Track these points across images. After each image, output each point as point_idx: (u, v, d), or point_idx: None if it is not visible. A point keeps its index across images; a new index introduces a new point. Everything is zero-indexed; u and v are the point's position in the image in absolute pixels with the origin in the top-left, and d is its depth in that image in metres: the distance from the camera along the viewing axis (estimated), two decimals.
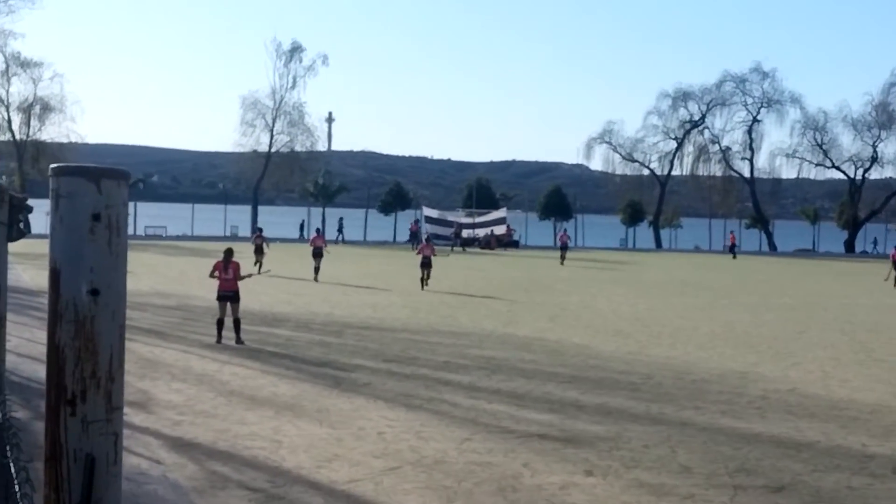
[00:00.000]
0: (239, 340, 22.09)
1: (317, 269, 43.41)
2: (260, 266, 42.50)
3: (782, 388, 18.41)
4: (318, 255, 44.38)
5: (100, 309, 2.21)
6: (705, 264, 68.36)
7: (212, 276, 23.17)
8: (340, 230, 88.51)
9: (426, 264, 40.79)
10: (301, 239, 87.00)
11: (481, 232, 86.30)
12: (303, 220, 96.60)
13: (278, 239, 58.42)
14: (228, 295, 22.56)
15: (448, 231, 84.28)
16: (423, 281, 40.26)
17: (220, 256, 23.42)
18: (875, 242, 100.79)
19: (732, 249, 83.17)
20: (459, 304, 33.11)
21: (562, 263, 62.38)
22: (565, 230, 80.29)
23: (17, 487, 2.65)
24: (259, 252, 46.83)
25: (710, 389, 18.14)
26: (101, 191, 2.20)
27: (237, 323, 22.36)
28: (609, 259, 72.08)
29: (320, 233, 50.40)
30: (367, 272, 49.05)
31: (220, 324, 22.43)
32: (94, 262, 2.20)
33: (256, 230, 53.35)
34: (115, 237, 2.20)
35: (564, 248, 67.02)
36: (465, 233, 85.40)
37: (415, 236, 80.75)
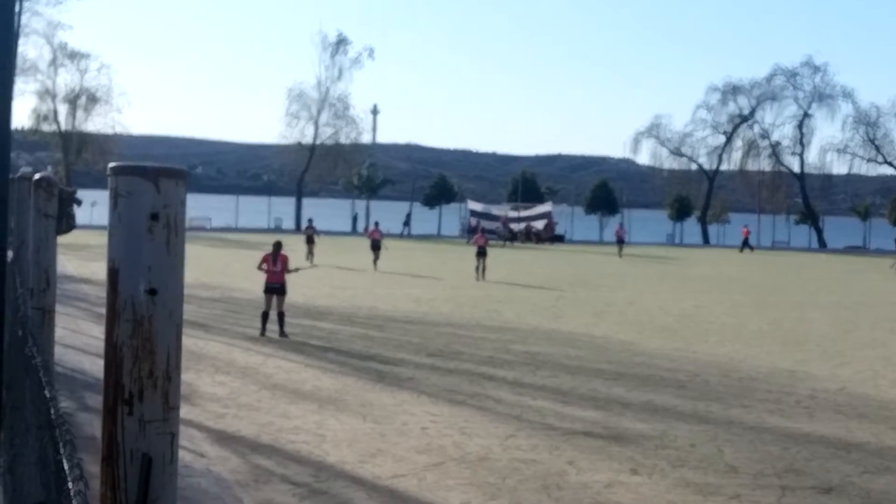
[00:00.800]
0: (283, 333, 22.15)
1: (375, 260, 45.87)
2: (312, 256, 45.16)
3: (831, 388, 18.24)
4: (375, 247, 46.58)
5: (157, 308, 2.19)
6: (753, 261, 67.88)
7: (259, 268, 23.28)
8: (407, 223, 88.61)
9: (481, 254, 42.13)
10: (354, 232, 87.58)
11: (520, 226, 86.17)
12: (356, 214, 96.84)
13: (324, 232, 58.48)
14: (275, 287, 22.64)
15: (494, 225, 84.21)
16: (478, 271, 41.81)
17: (268, 249, 23.62)
18: None
19: (746, 243, 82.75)
20: (504, 299, 33.03)
21: (620, 256, 64.70)
22: (621, 224, 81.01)
23: (70, 484, 2.64)
24: (310, 242, 48.78)
25: (758, 388, 17.99)
26: (159, 190, 2.18)
27: (281, 316, 22.41)
28: (655, 254, 71.77)
29: (378, 225, 51.44)
30: (411, 265, 49.06)
31: (264, 316, 22.52)
32: (152, 261, 2.18)
33: (308, 221, 54.75)
34: (173, 237, 2.18)
35: (621, 241, 69.48)
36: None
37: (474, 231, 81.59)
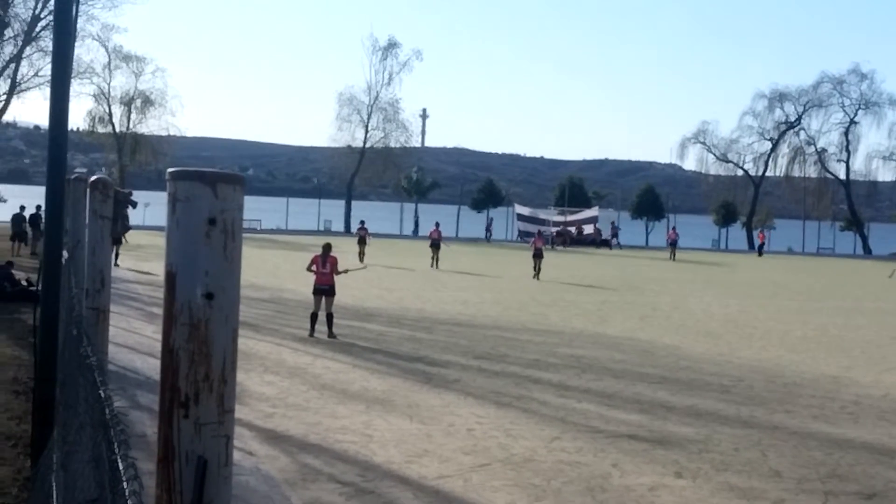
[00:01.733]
0: (331, 334, 22.40)
1: (435, 259, 49.24)
2: (363, 256, 46.99)
3: (875, 394, 18.20)
4: (436, 246, 50.25)
5: (214, 312, 2.29)
6: (798, 267, 67.47)
7: (309, 269, 23.55)
8: (489, 228, 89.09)
9: (538, 255, 44.65)
10: (415, 235, 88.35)
11: (569, 229, 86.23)
12: (417, 218, 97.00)
13: (374, 234, 58.54)
14: (324, 289, 22.90)
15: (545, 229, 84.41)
16: (536, 271, 44.28)
17: (318, 250, 23.89)
18: None
19: (760, 249, 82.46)
20: (550, 303, 33.09)
21: (673, 259, 66.39)
22: (674, 228, 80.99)
23: (124, 484, 2.75)
24: (362, 243, 51.21)
25: (802, 393, 17.99)
26: (217, 195, 2.28)
27: (330, 317, 22.67)
28: (701, 260, 71.44)
29: (438, 226, 53.71)
30: (459, 268, 49.18)
31: (313, 317, 22.76)
32: (209, 265, 2.28)
33: (360, 223, 56.61)
34: (231, 241, 2.28)
35: (674, 244, 71.30)
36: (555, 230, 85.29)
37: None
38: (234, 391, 2.32)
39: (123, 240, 38.37)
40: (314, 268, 23.36)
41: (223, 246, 2.23)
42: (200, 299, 2.23)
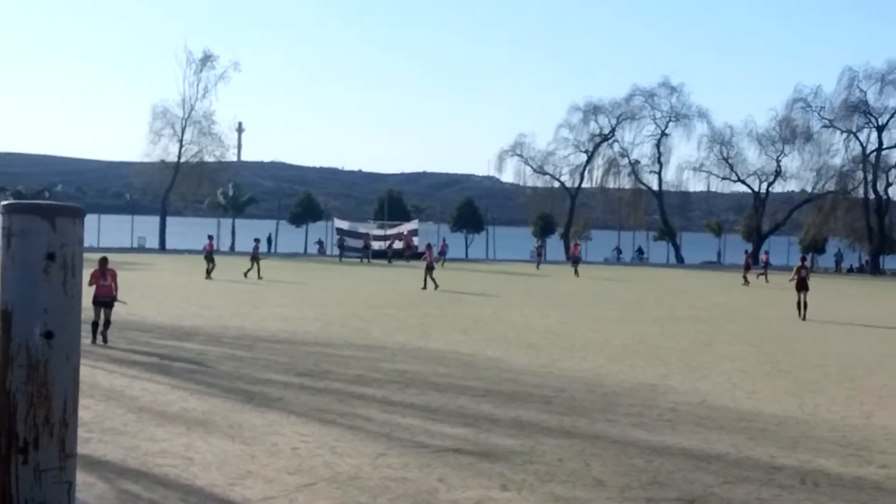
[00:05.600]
0: (105, 340, 23.86)
1: (428, 279, 49.97)
2: (259, 272, 53.45)
3: (692, 401, 18.67)
4: (209, 257, 53.90)
5: (54, 352, 2.19)
6: (614, 277, 68.99)
7: (90, 284, 23.93)
8: (443, 252, 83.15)
9: (430, 268, 49.78)
10: (232, 251, 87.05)
11: (385, 244, 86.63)
12: (270, 234, 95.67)
13: (188, 251, 57.57)
14: (105, 300, 24.24)
15: (360, 243, 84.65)
16: (425, 283, 48.49)
17: (94, 266, 24.31)
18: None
19: (576, 261, 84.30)
20: (371, 317, 33.06)
21: (576, 275, 66.19)
22: (577, 243, 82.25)
23: None
24: (255, 260, 54.76)
25: (622, 402, 18.33)
26: (55, 229, 2.19)
27: (108, 324, 24.03)
28: (520, 271, 72.43)
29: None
30: (275, 284, 48.95)
31: (95, 326, 23.74)
32: (49, 303, 2.19)
33: (254, 241, 58.96)
34: (71, 277, 2.20)
35: (577, 261, 71.64)
36: (376, 245, 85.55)
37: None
38: (75, 434, 2.22)
39: None
40: (95, 282, 24.25)
41: (63, 282, 2.14)
42: (39, 339, 2.13)
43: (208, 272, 52.91)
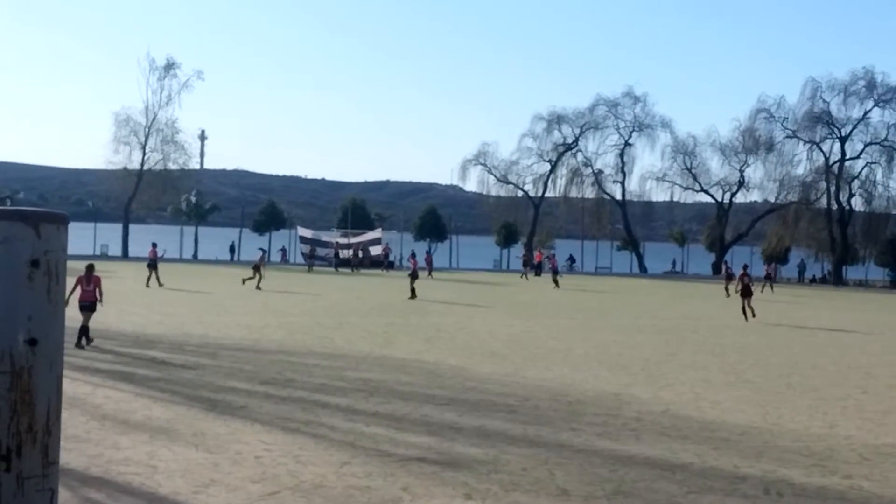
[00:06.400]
0: (89, 341, 24.70)
1: (152, 278, 52.50)
2: (259, 282, 53.35)
3: (656, 410, 18.71)
4: (153, 266, 53.70)
5: (37, 359, 2.15)
6: (578, 285, 69.13)
7: (73, 291, 24.74)
8: (430, 263, 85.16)
9: (414, 276, 50.03)
10: (232, 261, 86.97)
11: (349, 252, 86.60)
12: (232, 242, 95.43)
13: (161, 259, 57.57)
14: (88, 304, 25.10)
15: (327, 251, 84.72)
16: (413, 292, 48.51)
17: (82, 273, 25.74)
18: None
19: (536, 267, 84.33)
20: (335, 326, 32.99)
21: (556, 286, 64.99)
22: (553, 254, 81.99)
23: None
24: (257, 269, 54.79)
25: (586, 411, 18.34)
26: (39, 235, 2.15)
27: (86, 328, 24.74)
28: (483, 280, 72.52)
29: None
30: (239, 292, 48.78)
31: (83, 329, 24.63)
32: (32, 310, 2.14)
33: (259, 250, 61.10)
34: (55, 284, 2.16)
35: (556, 272, 70.66)
36: (343, 253, 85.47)
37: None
38: (58, 442, 2.19)
39: None
40: (79, 287, 25.22)
41: (47, 289, 2.11)
42: (23, 346, 2.09)
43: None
